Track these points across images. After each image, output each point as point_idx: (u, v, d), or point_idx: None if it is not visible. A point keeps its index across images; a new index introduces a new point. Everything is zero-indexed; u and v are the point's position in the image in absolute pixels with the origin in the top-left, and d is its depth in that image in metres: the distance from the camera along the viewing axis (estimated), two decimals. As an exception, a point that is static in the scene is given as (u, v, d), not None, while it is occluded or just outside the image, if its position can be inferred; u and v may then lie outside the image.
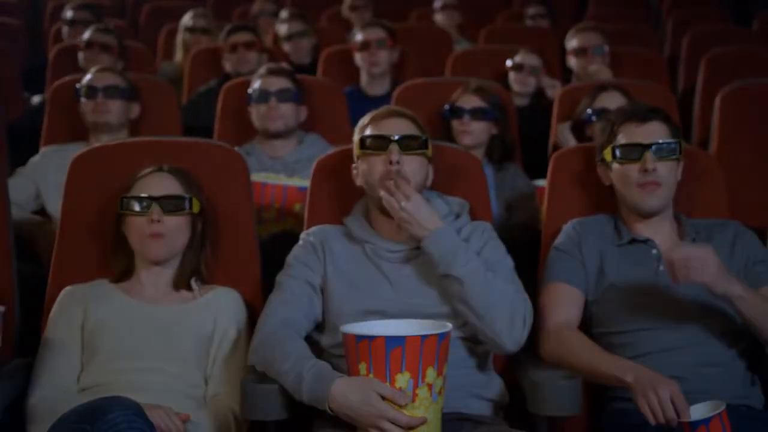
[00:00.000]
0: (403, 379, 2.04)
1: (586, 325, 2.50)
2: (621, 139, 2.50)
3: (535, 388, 2.26)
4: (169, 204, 2.42)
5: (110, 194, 2.55)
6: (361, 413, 2.06)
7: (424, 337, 2.04)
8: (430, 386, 2.06)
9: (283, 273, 2.45)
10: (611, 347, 2.41)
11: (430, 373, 2.05)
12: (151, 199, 2.41)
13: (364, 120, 2.51)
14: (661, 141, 2.46)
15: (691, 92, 4.59)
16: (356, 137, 2.50)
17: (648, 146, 2.45)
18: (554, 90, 4.38)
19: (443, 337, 2.07)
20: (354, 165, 2.52)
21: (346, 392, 2.07)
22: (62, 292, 2.49)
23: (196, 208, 2.47)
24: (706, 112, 4.07)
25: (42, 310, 2.61)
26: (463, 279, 2.29)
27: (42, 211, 3.50)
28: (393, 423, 2.04)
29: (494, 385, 2.39)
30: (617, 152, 2.49)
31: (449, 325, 2.11)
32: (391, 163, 2.38)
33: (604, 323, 2.48)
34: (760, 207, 3.33)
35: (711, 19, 6.06)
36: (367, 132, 2.47)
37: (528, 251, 2.71)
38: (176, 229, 2.43)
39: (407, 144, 2.41)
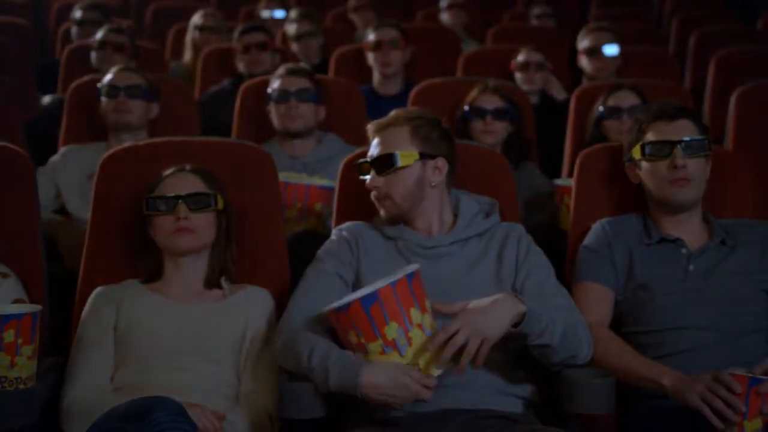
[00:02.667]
0: (392, 330, 2.10)
1: (616, 324, 2.51)
2: (650, 136, 2.51)
3: (570, 387, 2.28)
4: (195, 201, 2.45)
5: (140, 194, 2.56)
6: (394, 397, 2.15)
7: (393, 283, 2.10)
8: (420, 326, 2.12)
9: (313, 265, 2.47)
10: (641, 346, 2.42)
11: (415, 314, 2.11)
12: (177, 197, 2.44)
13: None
14: (690, 138, 2.48)
15: (698, 92, 4.61)
16: None
17: (677, 143, 2.47)
18: (560, 91, 4.40)
19: (412, 276, 2.13)
20: None
21: (379, 380, 2.14)
22: (94, 293, 2.50)
23: (220, 205, 2.49)
24: (717, 112, 4.09)
25: (65, 309, 2.62)
26: (556, 346, 2.27)
27: (62, 210, 3.51)
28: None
29: (525, 384, 2.40)
30: (647, 149, 2.51)
31: (416, 265, 2.18)
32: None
33: (633, 322, 2.50)
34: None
35: (717, 19, 6.08)
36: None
37: (549, 250, 2.72)
38: (203, 225, 2.46)
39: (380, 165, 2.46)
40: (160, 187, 2.48)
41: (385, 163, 2.44)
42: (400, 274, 2.13)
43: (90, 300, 2.49)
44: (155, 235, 2.48)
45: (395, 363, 2.14)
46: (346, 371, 2.17)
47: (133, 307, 2.44)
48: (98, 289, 2.50)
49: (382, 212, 2.49)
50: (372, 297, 2.09)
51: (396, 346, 2.13)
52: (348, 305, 2.11)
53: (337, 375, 2.18)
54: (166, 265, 2.50)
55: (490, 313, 2.17)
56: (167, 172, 2.51)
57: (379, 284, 2.13)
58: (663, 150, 2.49)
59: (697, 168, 2.49)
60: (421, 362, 2.15)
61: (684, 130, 2.50)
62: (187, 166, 2.52)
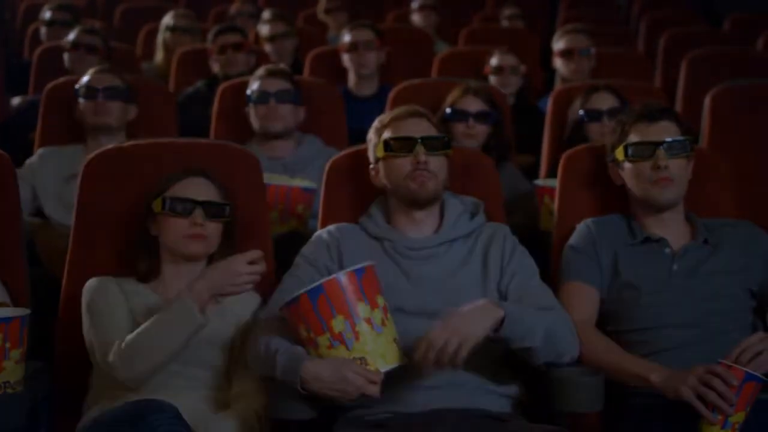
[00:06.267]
0: (338, 323, 2.12)
1: (601, 324, 2.53)
2: (633, 137, 2.54)
3: (559, 385, 2.30)
4: (212, 210, 2.44)
5: (126, 195, 2.56)
6: (339, 392, 2.14)
7: (339, 277, 2.13)
8: (368, 321, 2.14)
9: (288, 273, 2.48)
10: (626, 345, 2.44)
11: (363, 308, 2.14)
12: (195, 202, 2.43)
13: (383, 121, 2.54)
14: (672, 138, 2.51)
15: (669, 92, 4.65)
16: (376, 139, 2.53)
17: (660, 144, 2.50)
18: None
19: (362, 272, 2.16)
20: (372, 166, 2.55)
21: (320, 373, 2.13)
22: (91, 283, 2.43)
23: (231, 217, 2.49)
24: (690, 112, 4.14)
25: (45, 312, 2.60)
26: (539, 348, 2.28)
27: (39, 213, 3.47)
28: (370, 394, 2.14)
29: (513, 383, 2.41)
30: (629, 151, 2.53)
31: (370, 262, 2.20)
32: (419, 163, 2.42)
33: (618, 321, 2.52)
34: (752, 205, 3.38)
35: (683, 21, 6.15)
36: (388, 133, 2.49)
37: (529, 251, 2.73)
38: (214, 234, 2.46)
39: (432, 144, 2.45)
40: (175, 189, 2.46)
41: (439, 144, 2.47)
42: (349, 269, 2.15)
43: (91, 288, 2.42)
44: (163, 235, 2.45)
45: (340, 357, 2.14)
46: (290, 362, 2.18)
47: (136, 301, 2.41)
48: (94, 280, 2.44)
49: (415, 186, 2.44)
50: (318, 289, 2.12)
51: (343, 339, 2.14)
52: (297, 299, 2.14)
53: (281, 367, 2.19)
54: (165, 267, 2.48)
55: (469, 318, 2.20)
56: (180, 173, 2.49)
57: (327, 278, 2.16)
58: (646, 151, 2.52)
59: (679, 168, 2.52)
60: (369, 357, 2.15)
61: (666, 131, 2.53)
62: (200, 171, 2.51)
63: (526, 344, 2.26)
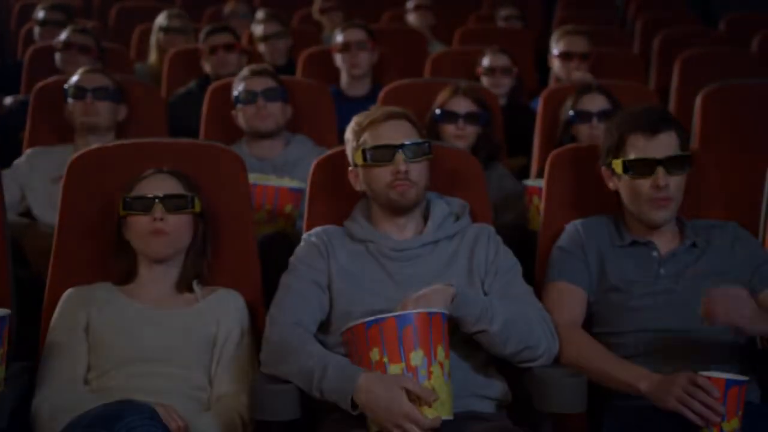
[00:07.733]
0: (417, 357, 2.08)
1: (588, 325, 2.52)
2: (631, 152, 2.45)
3: (542, 386, 2.29)
4: (172, 203, 2.42)
5: (109, 196, 2.54)
6: (385, 411, 2.07)
7: (431, 313, 2.11)
8: (441, 365, 2.11)
9: (288, 274, 2.45)
10: (611, 347, 2.43)
11: (440, 352, 2.11)
12: (154, 198, 2.41)
13: (360, 123, 2.48)
14: (673, 155, 2.43)
15: (663, 92, 4.65)
16: (354, 142, 2.48)
17: (660, 162, 2.42)
18: None
19: (445, 317, 2.14)
20: (351, 169, 2.52)
21: (374, 387, 2.08)
22: (64, 295, 2.46)
23: (198, 208, 2.47)
24: (682, 113, 4.13)
25: (32, 313, 2.59)
26: (497, 333, 2.28)
27: (27, 214, 3.46)
28: (415, 424, 2.06)
29: (497, 385, 2.40)
30: (628, 168, 2.45)
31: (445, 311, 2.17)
32: (399, 172, 2.40)
33: (604, 323, 2.51)
34: (740, 205, 3.37)
35: (679, 21, 6.14)
36: (367, 138, 2.45)
37: (518, 251, 2.73)
38: (179, 227, 2.44)
39: (412, 151, 2.42)
40: (137, 188, 2.46)
41: (420, 150, 2.43)
42: (436, 310, 2.13)
43: (61, 302, 2.46)
44: (130, 236, 2.45)
45: (398, 380, 2.08)
46: (345, 372, 2.13)
47: (105, 310, 2.41)
48: (69, 291, 2.47)
49: (396, 196, 2.42)
50: (407, 318, 2.09)
51: (416, 374, 2.09)
52: (383, 320, 2.09)
53: (334, 375, 2.14)
54: (140, 268, 2.47)
55: (424, 301, 2.20)
56: (144, 173, 2.48)
57: (414, 310, 2.14)
58: (645, 169, 2.44)
59: (678, 184, 2.46)
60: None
61: (667, 146, 2.45)
62: (165, 168, 2.50)
63: (482, 327, 2.26)
